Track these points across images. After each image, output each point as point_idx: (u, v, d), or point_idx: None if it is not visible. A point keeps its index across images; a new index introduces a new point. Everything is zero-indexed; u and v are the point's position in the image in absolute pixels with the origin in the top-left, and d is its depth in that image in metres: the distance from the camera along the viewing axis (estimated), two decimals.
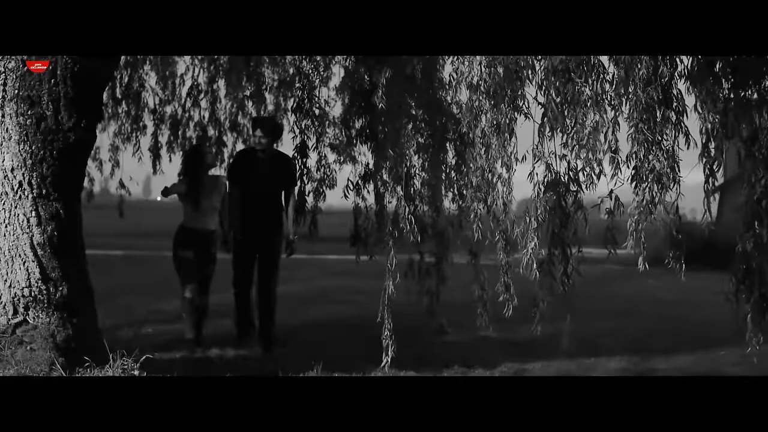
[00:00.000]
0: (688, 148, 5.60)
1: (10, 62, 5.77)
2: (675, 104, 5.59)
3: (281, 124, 8.50)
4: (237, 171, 7.95)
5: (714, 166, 5.56)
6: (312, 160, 8.47)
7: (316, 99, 8.40)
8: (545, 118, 5.83)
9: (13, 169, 5.85)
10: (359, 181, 8.05)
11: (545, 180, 5.89)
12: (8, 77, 5.82)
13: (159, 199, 6.64)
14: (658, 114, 5.56)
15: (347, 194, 8.02)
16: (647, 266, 5.72)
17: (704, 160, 5.56)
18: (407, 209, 6.63)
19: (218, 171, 9.17)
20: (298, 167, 8.32)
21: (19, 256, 5.88)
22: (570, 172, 5.85)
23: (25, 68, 5.77)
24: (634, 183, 5.70)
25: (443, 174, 7.65)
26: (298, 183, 8.32)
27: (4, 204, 5.89)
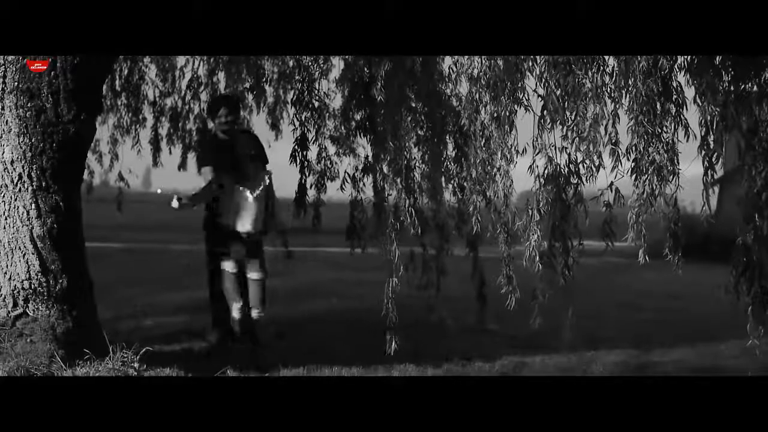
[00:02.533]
0: (687, 141, 5.60)
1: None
2: (675, 96, 5.60)
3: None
4: (215, 157, 6.86)
5: (713, 159, 5.56)
6: (312, 152, 8.46)
7: (316, 91, 8.40)
8: (545, 111, 5.83)
9: (12, 162, 5.85)
10: (355, 174, 8.03)
11: (545, 172, 5.89)
12: (8, 69, 5.83)
13: (175, 206, 6.01)
14: (658, 106, 5.56)
15: (344, 187, 7.95)
16: (647, 259, 5.73)
17: (703, 152, 5.56)
18: (407, 202, 6.63)
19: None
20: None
21: (19, 248, 5.89)
22: (570, 165, 5.85)
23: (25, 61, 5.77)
24: (634, 175, 5.71)
25: (443, 167, 7.64)
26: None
27: (3, 196, 5.90)
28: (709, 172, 5.60)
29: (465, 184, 7.16)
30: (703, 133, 5.53)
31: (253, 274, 6.56)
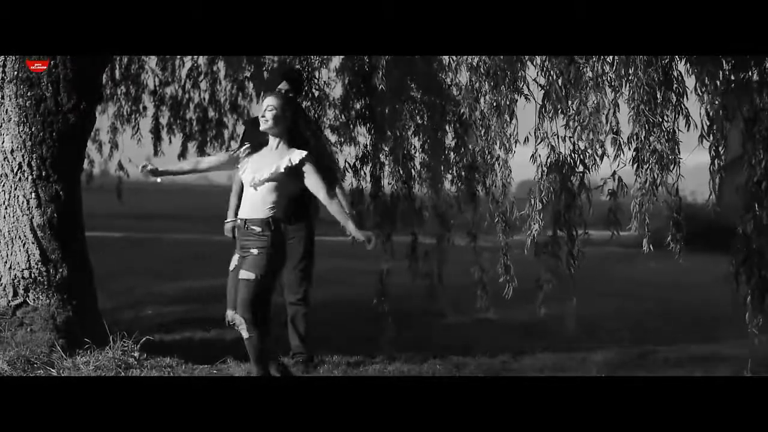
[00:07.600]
0: (688, 130, 5.60)
1: None
2: (675, 86, 5.59)
3: None
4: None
5: (719, 148, 5.56)
6: None
7: (316, 80, 8.36)
8: (547, 99, 5.82)
9: (12, 151, 5.86)
10: (355, 163, 7.99)
11: (548, 161, 5.89)
12: (8, 58, 5.82)
13: (158, 180, 5.66)
14: (658, 95, 5.55)
15: (343, 176, 7.87)
16: (651, 248, 5.73)
17: (709, 141, 5.56)
18: (402, 191, 6.61)
19: None
20: None
21: (19, 237, 5.89)
22: (573, 154, 5.85)
23: None
24: (635, 165, 5.70)
25: (442, 155, 7.62)
26: None
27: (3, 186, 5.91)
28: (715, 161, 5.60)
29: (464, 173, 7.15)
30: (705, 123, 5.54)
31: (241, 272, 5.03)
